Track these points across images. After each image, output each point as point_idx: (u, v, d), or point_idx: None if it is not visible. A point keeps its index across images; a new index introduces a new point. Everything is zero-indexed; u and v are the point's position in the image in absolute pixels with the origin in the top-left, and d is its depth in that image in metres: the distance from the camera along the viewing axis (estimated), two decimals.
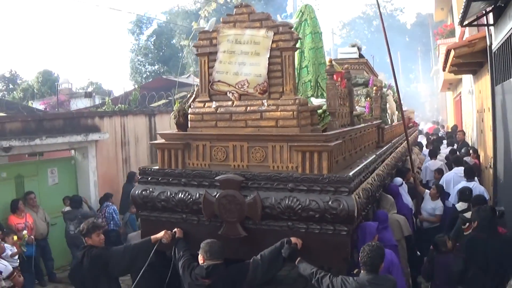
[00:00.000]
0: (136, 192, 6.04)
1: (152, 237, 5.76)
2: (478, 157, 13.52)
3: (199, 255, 5.16)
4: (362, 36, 65.08)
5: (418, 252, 8.49)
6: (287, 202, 5.24)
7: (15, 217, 10.17)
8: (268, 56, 5.64)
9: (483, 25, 9.90)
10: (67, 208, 11.23)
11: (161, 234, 5.69)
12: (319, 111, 6.07)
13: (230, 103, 5.80)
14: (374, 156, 7.35)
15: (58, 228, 11.44)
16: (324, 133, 5.58)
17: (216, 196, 5.46)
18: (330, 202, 5.09)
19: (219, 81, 5.83)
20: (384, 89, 10.64)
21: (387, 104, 10.73)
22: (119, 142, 14.39)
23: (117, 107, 16.03)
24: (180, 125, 6.14)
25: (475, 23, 10.23)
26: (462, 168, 10.84)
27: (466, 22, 9.77)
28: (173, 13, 49.06)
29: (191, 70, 40.64)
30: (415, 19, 68.61)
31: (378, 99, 9.48)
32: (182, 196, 5.71)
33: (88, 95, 27.60)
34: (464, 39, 13.88)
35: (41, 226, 10.63)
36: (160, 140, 6.14)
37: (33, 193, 10.96)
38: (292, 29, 5.71)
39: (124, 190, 12.55)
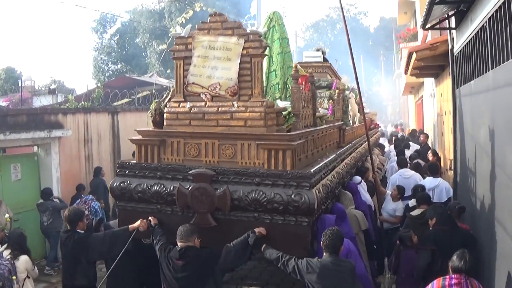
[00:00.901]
0: (115, 184, 6.53)
1: (129, 226, 6.28)
2: (438, 159, 13.61)
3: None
4: (325, 39, 65.56)
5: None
6: (253, 195, 5.75)
7: None
8: (239, 61, 6.15)
9: (445, 28, 10.12)
10: (40, 201, 11.67)
11: (138, 223, 6.22)
12: (284, 112, 6.64)
13: (203, 103, 6.31)
14: (335, 155, 7.91)
15: (28, 222, 11.67)
16: (288, 133, 6.15)
17: (189, 189, 5.97)
18: (292, 196, 5.62)
19: (193, 83, 6.34)
20: (347, 92, 11.06)
21: (349, 106, 11.30)
22: (82, 139, 14.47)
23: (80, 104, 16.12)
24: (156, 123, 6.65)
25: (437, 26, 10.37)
26: (406, 169, 11.70)
27: (428, 26, 9.90)
28: (137, 12, 49.06)
29: (154, 70, 40.78)
30: (378, 23, 69.67)
31: (340, 102, 9.99)
32: (158, 188, 6.21)
33: (51, 91, 27.34)
34: (426, 42, 13.78)
35: (2, 221, 10.20)
36: (138, 137, 6.63)
37: None
38: (261, 37, 6.27)
39: (91, 184, 13.28)
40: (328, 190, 6.40)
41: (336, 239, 5.39)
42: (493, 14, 6.32)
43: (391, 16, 54.88)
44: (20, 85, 32.99)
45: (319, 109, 8.74)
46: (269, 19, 8.26)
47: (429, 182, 10.71)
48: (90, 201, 12.06)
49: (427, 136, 17.64)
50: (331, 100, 9.83)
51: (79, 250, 6.36)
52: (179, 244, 5.69)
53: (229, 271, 6.12)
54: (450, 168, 11.20)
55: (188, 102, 6.39)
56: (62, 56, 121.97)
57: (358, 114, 12.47)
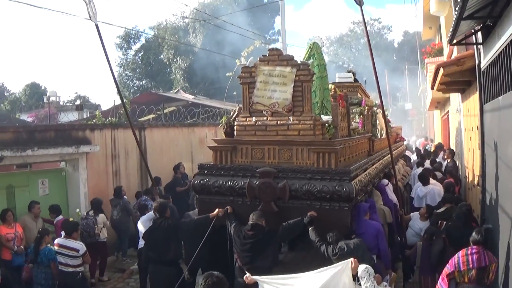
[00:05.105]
0: (196, 181, 8.81)
1: (210, 214, 8.49)
2: (455, 178, 14.61)
3: None
4: (349, 54, 66.78)
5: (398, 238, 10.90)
6: (307, 187, 7.91)
7: (5, 227, 10.76)
8: (292, 85, 8.38)
9: (472, 43, 10.29)
10: (112, 197, 13.89)
11: (216, 211, 8.44)
12: (326, 125, 8.84)
13: (265, 118, 8.56)
14: (366, 159, 10.18)
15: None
16: (332, 140, 8.40)
17: (256, 183, 8.19)
18: (336, 187, 7.75)
19: (257, 102, 8.62)
20: (374, 108, 13.05)
21: (377, 120, 13.38)
22: (109, 154, 15.13)
23: (107, 120, 16.59)
24: (227, 133, 9.01)
25: (464, 41, 10.50)
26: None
27: (455, 41, 10.05)
28: (161, 28, 50.71)
29: (179, 85, 42.46)
30: (402, 38, 70.26)
31: (369, 117, 12.14)
32: (231, 183, 8.45)
33: (79, 107, 27.57)
34: (452, 57, 14.29)
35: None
36: (213, 144, 8.95)
37: (38, 204, 11.83)
38: (309, 67, 8.50)
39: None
40: (362, 185, 8.54)
41: (339, 235, 7.54)
42: None
43: (415, 30, 55.30)
44: (45, 101, 34.43)
45: (352, 122, 10.84)
46: (310, 49, 9.98)
47: (420, 190, 12.86)
48: (144, 201, 14.00)
49: (451, 153, 17.68)
50: (361, 115, 11.75)
51: (170, 233, 8.68)
52: (251, 222, 7.91)
53: (284, 241, 8.18)
54: (478, 185, 11.49)
55: (254, 117, 8.65)
56: (86, 72, 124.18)
57: (385, 128, 14.27)
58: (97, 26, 10.28)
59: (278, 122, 8.47)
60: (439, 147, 22.53)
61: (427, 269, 9.35)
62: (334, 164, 8.05)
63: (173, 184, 16.06)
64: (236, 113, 9.07)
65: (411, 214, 11.57)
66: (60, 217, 11.98)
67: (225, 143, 8.88)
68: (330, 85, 9.99)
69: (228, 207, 8.52)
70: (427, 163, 17.46)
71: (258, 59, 8.76)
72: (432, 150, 22.29)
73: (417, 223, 11.00)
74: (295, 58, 8.55)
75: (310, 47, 9.87)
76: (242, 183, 8.37)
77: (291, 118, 8.39)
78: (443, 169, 16.70)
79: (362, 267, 6.23)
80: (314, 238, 7.70)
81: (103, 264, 12.84)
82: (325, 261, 7.07)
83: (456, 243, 8.22)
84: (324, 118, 8.68)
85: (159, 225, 8.85)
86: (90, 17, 9.93)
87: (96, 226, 12.30)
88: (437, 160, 18.61)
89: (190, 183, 15.76)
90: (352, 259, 6.35)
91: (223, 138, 9.09)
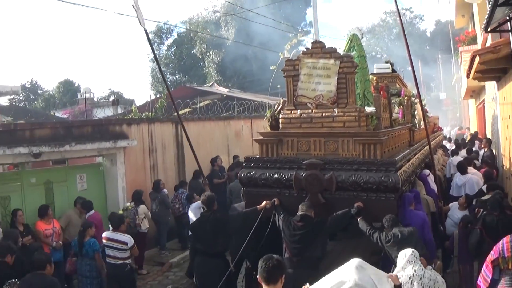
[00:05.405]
0: (242, 174, 8.93)
1: (258, 206, 8.62)
2: (493, 167, 14.54)
3: None
4: (382, 44, 66.58)
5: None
6: (353, 178, 7.99)
7: (43, 223, 10.84)
8: (336, 78, 8.46)
9: (507, 30, 10.25)
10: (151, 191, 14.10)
11: (264, 203, 8.57)
12: (370, 116, 8.90)
13: (310, 110, 8.65)
14: (409, 150, 10.22)
15: None
16: (377, 131, 8.46)
17: (303, 175, 8.28)
18: (382, 178, 7.83)
19: (301, 95, 8.71)
20: (412, 98, 13.10)
21: (416, 111, 13.40)
22: (146, 149, 15.22)
23: (144, 114, 16.89)
24: (272, 126, 9.11)
25: (498, 29, 10.43)
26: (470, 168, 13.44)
27: (490, 28, 10.05)
28: (193, 22, 50.70)
29: (213, 79, 42.65)
30: (434, 27, 70.08)
31: (409, 107, 12.16)
32: (278, 176, 8.55)
33: (115, 102, 28.89)
34: (486, 45, 14.23)
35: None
36: (259, 137, 9.07)
37: (84, 199, 12.07)
38: (352, 59, 8.57)
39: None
40: (407, 175, 8.61)
41: (394, 220, 7.58)
42: None
43: (447, 19, 54.73)
44: (80, 97, 34.85)
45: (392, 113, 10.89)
46: (349, 41, 10.04)
47: (458, 179, 12.81)
48: (180, 194, 14.46)
49: (488, 143, 17.54)
50: (400, 106, 11.79)
51: (219, 226, 8.76)
52: (300, 213, 8.00)
53: (332, 232, 8.31)
54: None
55: (298, 110, 8.74)
56: (119, 67, 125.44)
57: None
58: (145, 30, 10.68)
59: (323, 114, 8.54)
60: (475, 136, 22.63)
61: (465, 257, 9.30)
62: (380, 155, 8.13)
63: (210, 177, 16.20)
64: (281, 106, 9.17)
65: (450, 204, 11.47)
66: (92, 211, 11.93)
67: (271, 136, 9.00)
68: (370, 76, 10.03)
69: (275, 199, 8.62)
70: (463, 152, 17.37)
71: (301, 52, 8.85)
72: (467, 140, 22.16)
73: (456, 213, 10.87)
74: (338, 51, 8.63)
75: (350, 39, 9.91)
76: (289, 175, 8.46)
77: (336, 110, 8.47)
78: (479, 158, 16.69)
79: (409, 251, 6.26)
80: (365, 227, 7.80)
81: (140, 257, 12.92)
82: (366, 251, 7.12)
83: (492, 232, 8.26)
84: (368, 109, 8.73)
85: (207, 218, 8.94)
86: (140, 23, 10.24)
87: (137, 217, 12.63)
88: (473, 149, 18.57)
89: (227, 175, 16.01)
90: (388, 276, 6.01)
91: (268, 131, 9.20)
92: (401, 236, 7.28)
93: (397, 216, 8.02)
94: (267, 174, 8.67)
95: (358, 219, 7.93)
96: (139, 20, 10.26)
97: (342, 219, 7.99)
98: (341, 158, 8.30)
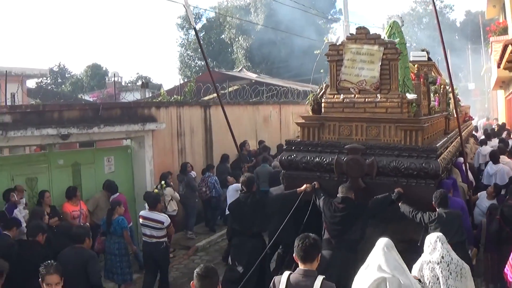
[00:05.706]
0: (283, 157, 9.06)
1: (297, 189, 8.71)
2: None
3: None
4: (411, 33, 65.95)
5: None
6: (394, 164, 8.09)
7: (70, 204, 10.98)
8: (380, 64, 8.53)
9: None
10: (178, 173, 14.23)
11: (304, 187, 8.65)
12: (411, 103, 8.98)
13: (352, 95, 8.74)
14: (446, 138, 10.29)
15: None
16: (419, 118, 8.54)
17: (344, 160, 8.39)
18: (423, 164, 7.92)
19: (344, 80, 8.79)
20: (447, 87, 13.24)
21: (450, 99, 13.42)
22: (175, 132, 15.04)
23: (172, 98, 16.62)
24: (315, 110, 9.21)
25: None
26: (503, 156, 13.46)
27: None
28: (222, 8, 50.55)
29: (241, 65, 42.65)
30: (464, 17, 69.16)
31: (444, 95, 12.22)
32: (319, 159, 8.65)
33: (144, 85, 27.37)
34: None
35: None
36: (301, 121, 9.18)
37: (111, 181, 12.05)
38: (396, 46, 8.64)
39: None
40: (446, 162, 8.69)
41: (444, 196, 7.71)
42: None
43: (477, 9, 54.23)
44: (108, 80, 35.02)
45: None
46: (390, 28, 10.07)
47: (490, 168, 12.81)
48: (207, 178, 14.49)
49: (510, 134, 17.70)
50: (436, 94, 11.89)
51: (258, 207, 8.87)
52: (341, 195, 8.07)
53: (372, 216, 8.42)
54: None
55: (341, 95, 8.84)
56: (147, 52, 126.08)
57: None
58: (195, 29, 11.31)
59: (366, 99, 8.63)
60: (502, 127, 22.58)
61: (492, 246, 9.31)
62: (421, 141, 8.21)
63: (239, 161, 16.28)
64: (323, 90, 9.27)
65: (479, 193, 11.46)
66: (117, 194, 11.82)
67: (312, 119, 9.10)
68: (411, 64, 10.09)
69: (315, 182, 8.71)
70: (492, 142, 17.30)
71: (345, 37, 8.93)
72: (496, 130, 22.14)
73: (484, 202, 10.88)
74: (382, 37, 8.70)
75: (390, 26, 9.96)
76: (330, 159, 8.56)
77: (378, 96, 8.55)
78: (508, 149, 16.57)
79: (434, 236, 6.36)
80: (408, 209, 7.90)
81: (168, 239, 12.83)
82: (392, 239, 7.19)
83: (509, 222, 8.42)
84: (409, 96, 8.81)
85: (246, 199, 9.02)
86: (190, 21, 10.47)
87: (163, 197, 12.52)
88: None
89: (255, 160, 16.12)
90: None
91: (310, 115, 9.30)
92: (446, 217, 7.43)
93: None
94: (308, 158, 8.77)
95: (400, 204, 8.03)
96: (189, 18, 10.43)
97: (383, 203, 8.07)
98: (383, 143, 8.37)
